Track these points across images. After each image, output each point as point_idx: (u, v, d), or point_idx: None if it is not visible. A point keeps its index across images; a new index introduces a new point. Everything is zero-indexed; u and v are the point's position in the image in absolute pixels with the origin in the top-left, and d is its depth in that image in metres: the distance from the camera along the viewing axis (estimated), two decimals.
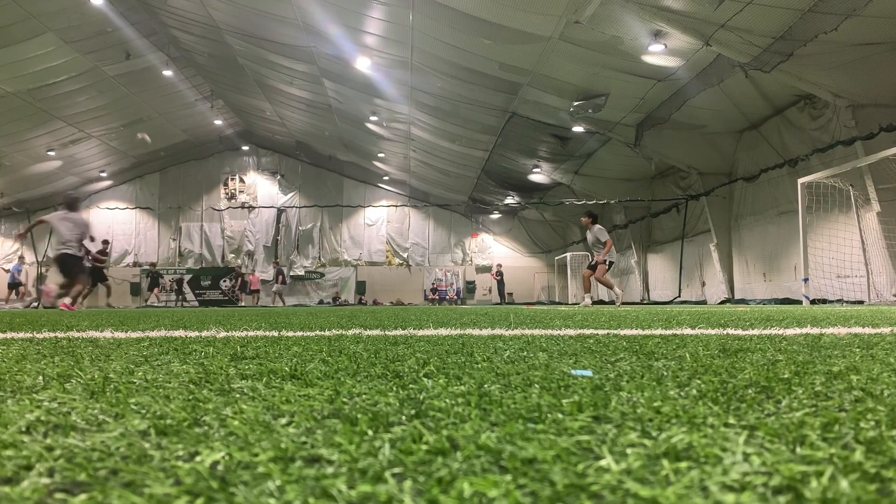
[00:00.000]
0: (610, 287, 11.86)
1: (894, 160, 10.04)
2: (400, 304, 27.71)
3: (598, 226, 11.73)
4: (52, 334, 2.96)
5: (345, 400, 1.01)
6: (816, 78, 10.75)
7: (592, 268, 11.79)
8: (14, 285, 23.57)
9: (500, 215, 29.38)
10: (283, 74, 18.58)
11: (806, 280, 11.66)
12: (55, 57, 17.19)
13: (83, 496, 0.54)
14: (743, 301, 15.13)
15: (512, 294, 28.85)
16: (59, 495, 0.54)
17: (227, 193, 30.30)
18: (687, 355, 1.69)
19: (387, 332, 2.91)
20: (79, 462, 0.64)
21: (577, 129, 15.82)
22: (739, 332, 2.79)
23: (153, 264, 27.28)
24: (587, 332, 2.89)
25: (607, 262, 11.56)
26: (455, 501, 0.51)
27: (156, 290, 26.16)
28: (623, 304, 11.75)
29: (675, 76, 12.09)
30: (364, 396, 1.04)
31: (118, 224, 29.43)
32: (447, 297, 29.91)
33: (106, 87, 19.82)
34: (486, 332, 2.96)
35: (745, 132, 14.96)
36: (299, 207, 29.27)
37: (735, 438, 0.72)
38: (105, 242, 16.82)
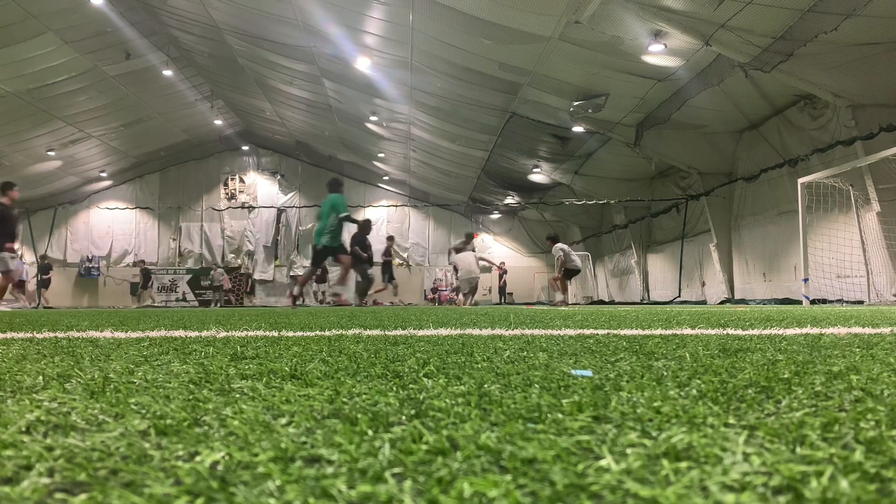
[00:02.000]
0: (555, 290, 14.88)
1: (894, 160, 10.05)
2: (399, 303, 27.68)
3: (555, 245, 13.74)
4: (52, 334, 2.96)
5: (345, 400, 1.01)
6: (816, 78, 10.75)
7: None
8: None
9: (500, 215, 29.33)
10: (283, 74, 18.57)
11: (806, 280, 11.66)
12: (55, 57, 17.18)
13: (83, 496, 0.54)
14: (743, 301, 15.12)
15: (512, 294, 28.83)
16: (59, 495, 0.54)
17: (227, 193, 30.26)
18: (687, 355, 1.69)
19: (387, 332, 2.91)
20: (79, 462, 0.64)
21: (577, 129, 15.81)
22: (739, 332, 2.79)
23: (142, 262, 27.19)
24: (587, 332, 2.89)
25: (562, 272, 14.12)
26: (455, 501, 0.51)
27: (149, 290, 26.12)
28: (566, 305, 13.96)
29: (675, 76, 12.09)
30: (364, 396, 1.04)
31: (118, 224, 29.39)
32: (447, 297, 29.86)
33: (106, 87, 19.80)
34: (486, 332, 2.96)
35: (745, 132, 14.95)
36: (299, 207, 29.23)
37: (735, 438, 0.72)
38: (390, 239, 18.85)
